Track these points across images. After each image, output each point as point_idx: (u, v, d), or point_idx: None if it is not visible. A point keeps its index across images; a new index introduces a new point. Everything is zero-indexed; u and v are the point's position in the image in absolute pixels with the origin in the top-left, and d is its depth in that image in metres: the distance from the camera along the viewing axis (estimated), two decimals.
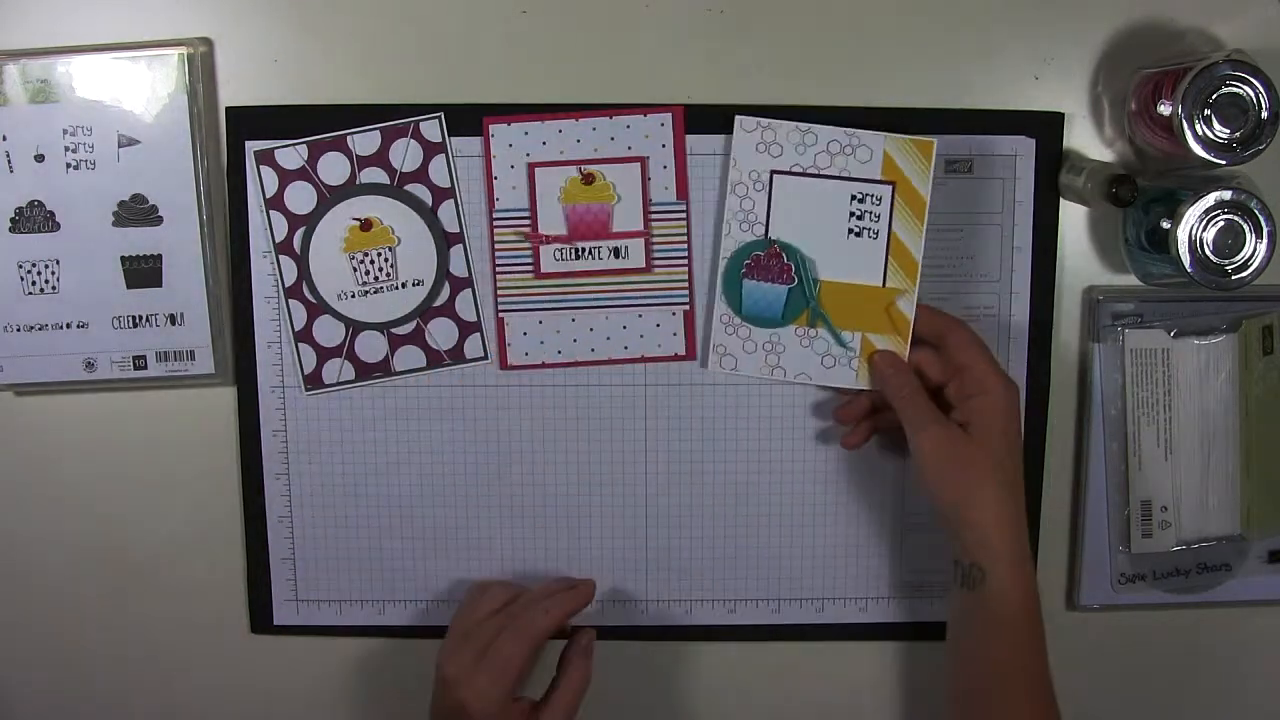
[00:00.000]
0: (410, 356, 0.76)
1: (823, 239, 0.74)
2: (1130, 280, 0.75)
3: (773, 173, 0.73)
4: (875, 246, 0.73)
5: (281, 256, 0.74)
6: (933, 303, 0.75)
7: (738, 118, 0.73)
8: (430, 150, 0.73)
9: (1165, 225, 0.70)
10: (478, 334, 0.76)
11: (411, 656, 0.79)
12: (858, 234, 0.73)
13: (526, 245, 0.74)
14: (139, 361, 0.75)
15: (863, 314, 0.74)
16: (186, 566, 0.78)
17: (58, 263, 0.74)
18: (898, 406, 0.71)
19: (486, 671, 0.68)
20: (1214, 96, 0.66)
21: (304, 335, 0.75)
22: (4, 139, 0.72)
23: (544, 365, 0.76)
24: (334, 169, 0.73)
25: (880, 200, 0.73)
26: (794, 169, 0.73)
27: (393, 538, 0.78)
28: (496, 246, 0.75)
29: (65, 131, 0.72)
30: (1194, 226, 0.68)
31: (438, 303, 0.75)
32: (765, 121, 0.73)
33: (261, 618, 0.79)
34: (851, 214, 0.73)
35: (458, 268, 0.75)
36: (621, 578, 0.78)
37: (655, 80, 0.73)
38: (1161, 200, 0.71)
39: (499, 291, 0.75)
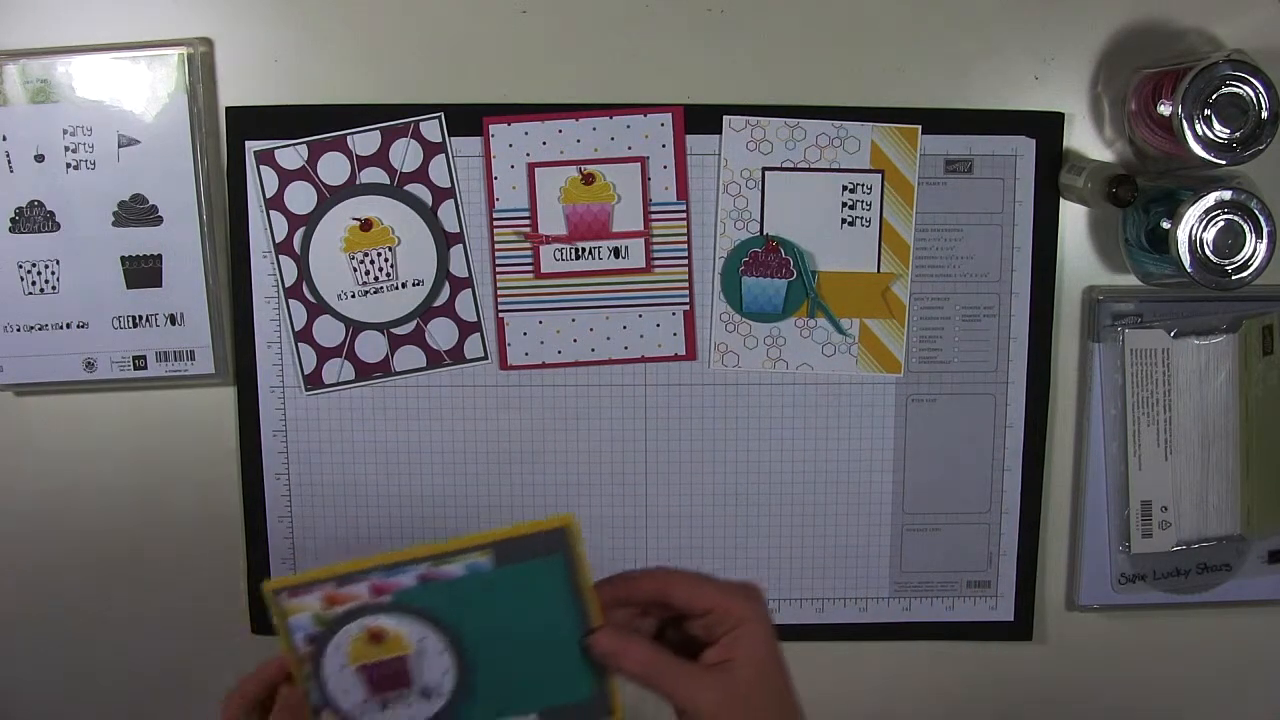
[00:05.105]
0: (410, 356, 0.76)
1: (817, 231, 0.74)
2: (1130, 280, 0.75)
3: (764, 169, 0.74)
4: (868, 234, 0.74)
5: (281, 256, 0.74)
6: (932, 302, 0.75)
7: (726, 117, 0.73)
8: (430, 150, 0.73)
9: (1165, 225, 0.70)
10: (478, 334, 0.76)
11: None
12: (851, 223, 0.74)
13: (526, 245, 0.74)
14: (139, 361, 0.75)
15: (860, 300, 0.75)
16: (187, 567, 0.78)
17: (58, 263, 0.73)
18: (650, 680, 0.57)
19: None
20: (1214, 96, 0.66)
21: (304, 335, 0.75)
22: (4, 139, 0.72)
23: (544, 365, 0.76)
24: (334, 169, 0.73)
25: (870, 189, 0.74)
26: (785, 164, 0.74)
27: (392, 538, 0.78)
28: (496, 246, 0.75)
29: (65, 131, 0.72)
30: (1194, 226, 0.68)
31: (438, 303, 0.75)
32: (754, 119, 0.73)
33: (261, 618, 0.79)
34: (843, 204, 0.74)
35: (458, 268, 0.75)
36: None
37: (655, 80, 0.73)
38: (1161, 200, 0.71)
39: (499, 291, 0.75)
